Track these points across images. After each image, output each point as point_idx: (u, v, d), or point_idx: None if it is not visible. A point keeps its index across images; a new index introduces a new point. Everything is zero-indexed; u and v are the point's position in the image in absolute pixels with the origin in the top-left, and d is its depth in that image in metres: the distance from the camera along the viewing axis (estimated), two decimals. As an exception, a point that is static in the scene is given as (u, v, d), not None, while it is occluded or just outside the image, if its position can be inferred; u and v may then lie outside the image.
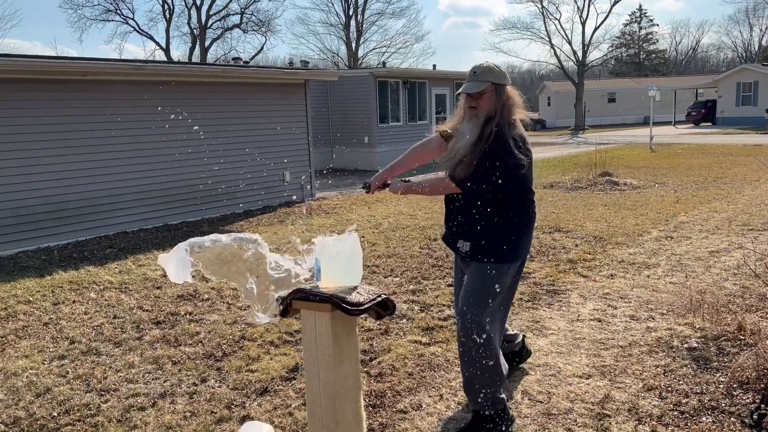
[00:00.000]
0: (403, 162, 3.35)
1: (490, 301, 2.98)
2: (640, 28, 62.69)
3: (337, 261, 2.33)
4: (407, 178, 3.16)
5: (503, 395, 3.11)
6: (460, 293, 3.13)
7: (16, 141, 7.72)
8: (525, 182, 3.01)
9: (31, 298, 5.61)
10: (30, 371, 4.00)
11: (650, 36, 63.28)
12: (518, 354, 3.74)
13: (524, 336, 3.84)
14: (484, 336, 2.95)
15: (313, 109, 13.13)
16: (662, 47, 66.46)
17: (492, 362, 2.99)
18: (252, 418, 3.29)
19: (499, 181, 2.88)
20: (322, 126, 17.79)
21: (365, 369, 3.86)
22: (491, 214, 2.97)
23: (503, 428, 3.04)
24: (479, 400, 3.02)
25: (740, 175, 12.70)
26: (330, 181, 15.04)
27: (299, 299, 2.34)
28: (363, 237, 7.88)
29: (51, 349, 4.38)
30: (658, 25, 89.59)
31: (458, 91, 3.06)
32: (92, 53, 69.85)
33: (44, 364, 4.12)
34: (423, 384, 3.65)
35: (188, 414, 3.37)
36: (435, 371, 3.81)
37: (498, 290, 3.01)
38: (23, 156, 7.79)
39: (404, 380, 3.70)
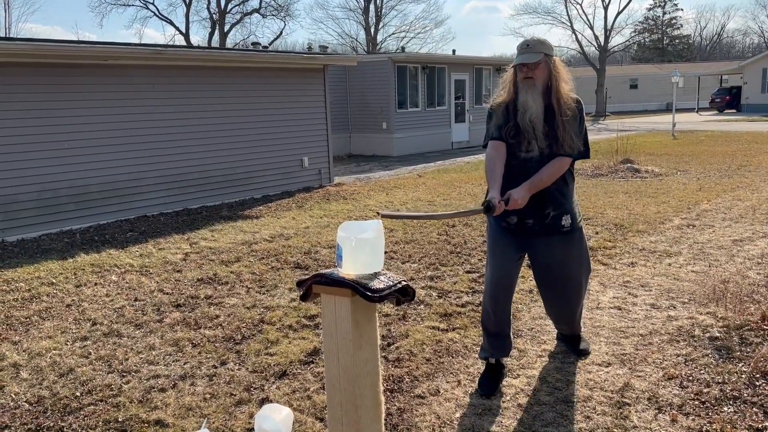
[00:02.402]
0: (498, 175, 3.19)
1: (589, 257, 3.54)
2: (664, 13, 61.54)
3: (360, 247, 2.32)
4: (525, 184, 3.18)
5: None
6: (559, 266, 3.39)
7: (39, 125, 7.80)
8: None
9: (54, 280, 5.70)
10: (53, 352, 4.06)
11: (674, 21, 62.13)
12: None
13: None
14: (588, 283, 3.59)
15: (332, 95, 13.11)
16: (686, 32, 65.27)
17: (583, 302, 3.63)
18: (271, 401, 3.32)
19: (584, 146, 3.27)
20: (340, 111, 17.77)
21: (383, 354, 3.87)
22: (569, 181, 3.35)
23: None
24: (581, 326, 3.75)
25: (765, 163, 12.46)
26: (347, 167, 15.04)
27: (320, 284, 2.34)
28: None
29: (73, 331, 4.45)
30: (682, 9, 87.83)
31: (514, 63, 3.20)
32: (112, 38, 70.36)
33: (67, 345, 4.19)
34: (441, 370, 3.65)
35: (208, 396, 3.41)
36: (453, 357, 3.81)
37: None
38: (46, 140, 7.87)
39: (422, 366, 3.70)
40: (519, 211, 3.21)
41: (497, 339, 3.47)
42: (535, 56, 3.10)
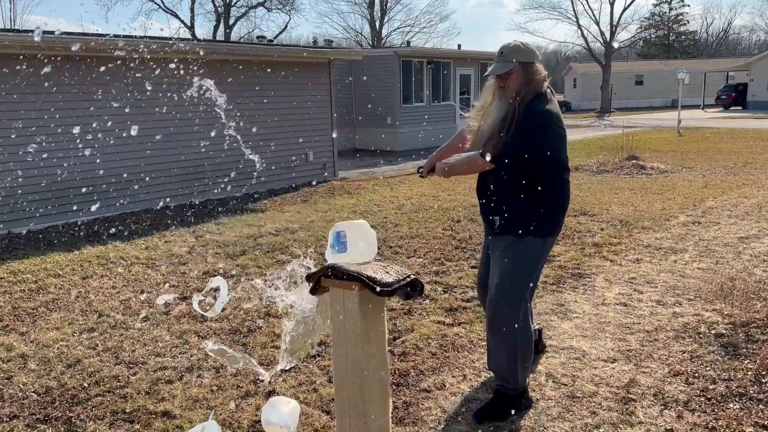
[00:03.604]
0: (449, 146, 3.45)
1: (526, 277, 3.01)
2: (671, 9, 61.19)
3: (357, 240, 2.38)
4: (446, 161, 3.25)
5: (528, 376, 3.14)
6: (490, 273, 3.10)
7: (45, 117, 7.82)
8: (557, 158, 2.98)
9: (60, 272, 5.72)
10: (61, 343, 4.08)
11: (680, 17, 61.77)
12: (534, 346, 3.66)
13: (541, 329, 3.77)
14: (521, 315, 2.99)
15: (336, 89, 13.09)
16: (692, 29, 64.90)
17: (525, 342, 3.03)
18: (277, 394, 3.33)
19: (527, 156, 2.87)
20: (345, 106, 17.74)
21: (389, 348, 3.88)
22: (523, 188, 2.95)
23: (520, 409, 3.08)
24: (505, 378, 3.07)
25: (771, 161, 12.42)
26: (351, 162, 15.03)
27: (328, 277, 2.34)
28: (386, 218, 7.88)
29: (80, 322, 4.47)
30: (689, 5, 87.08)
31: (486, 73, 3.09)
32: (117, 31, 70.11)
33: (74, 336, 4.21)
34: (446, 364, 3.66)
35: (215, 388, 3.42)
36: (458, 352, 3.82)
37: (533, 266, 3.05)
38: (52, 132, 7.89)
39: (428, 360, 3.71)
40: (480, 206, 3.21)
41: None
42: (506, 65, 2.96)
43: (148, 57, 8.87)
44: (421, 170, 3.45)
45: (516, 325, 2.98)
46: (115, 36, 8.93)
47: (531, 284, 3.08)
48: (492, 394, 3.16)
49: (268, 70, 10.65)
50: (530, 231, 2.97)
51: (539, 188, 2.95)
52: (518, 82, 2.95)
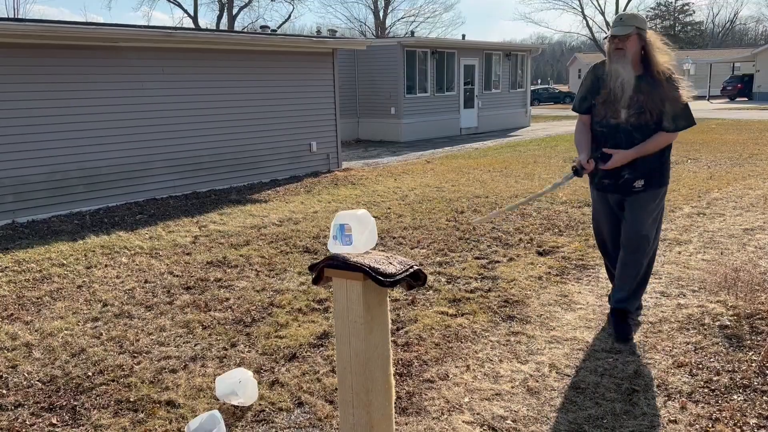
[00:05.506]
0: (584, 143, 3.78)
1: (661, 219, 3.75)
2: (677, -1, 60.78)
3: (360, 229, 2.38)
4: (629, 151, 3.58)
5: None
6: (626, 226, 3.68)
7: (49, 107, 7.81)
8: None
9: (64, 261, 5.73)
10: (65, 332, 4.10)
11: (686, 7, 61.35)
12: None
13: None
14: (655, 251, 3.78)
15: (340, 79, 13.05)
16: (699, 19, 64.62)
17: (649, 273, 3.82)
18: (281, 384, 3.34)
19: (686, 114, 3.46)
20: (349, 96, 17.69)
21: (392, 338, 3.88)
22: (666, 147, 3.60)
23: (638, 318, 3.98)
24: (634, 302, 3.83)
25: (777, 152, 12.35)
26: (356, 152, 15.00)
27: (332, 267, 2.34)
28: (389, 208, 7.87)
29: (85, 311, 4.48)
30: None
31: (606, 35, 3.53)
32: (120, 21, 70.05)
33: (78, 325, 4.22)
34: (449, 354, 3.66)
35: (218, 377, 3.43)
36: (462, 342, 3.82)
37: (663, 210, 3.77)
38: (56, 122, 7.88)
39: (431, 350, 3.72)
40: (602, 172, 3.66)
41: None
42: (625, 29, 3.34)
43: (152, 46, 8.84)
44: (578, 169, 3.70)
45: (649, 264, 3.77)
46: (118, 25, 8.90)
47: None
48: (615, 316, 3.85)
49: (272, 60, 10.61)
50: (663, 183, 3.64)
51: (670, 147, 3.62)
52: (636, 46, 3.38)
